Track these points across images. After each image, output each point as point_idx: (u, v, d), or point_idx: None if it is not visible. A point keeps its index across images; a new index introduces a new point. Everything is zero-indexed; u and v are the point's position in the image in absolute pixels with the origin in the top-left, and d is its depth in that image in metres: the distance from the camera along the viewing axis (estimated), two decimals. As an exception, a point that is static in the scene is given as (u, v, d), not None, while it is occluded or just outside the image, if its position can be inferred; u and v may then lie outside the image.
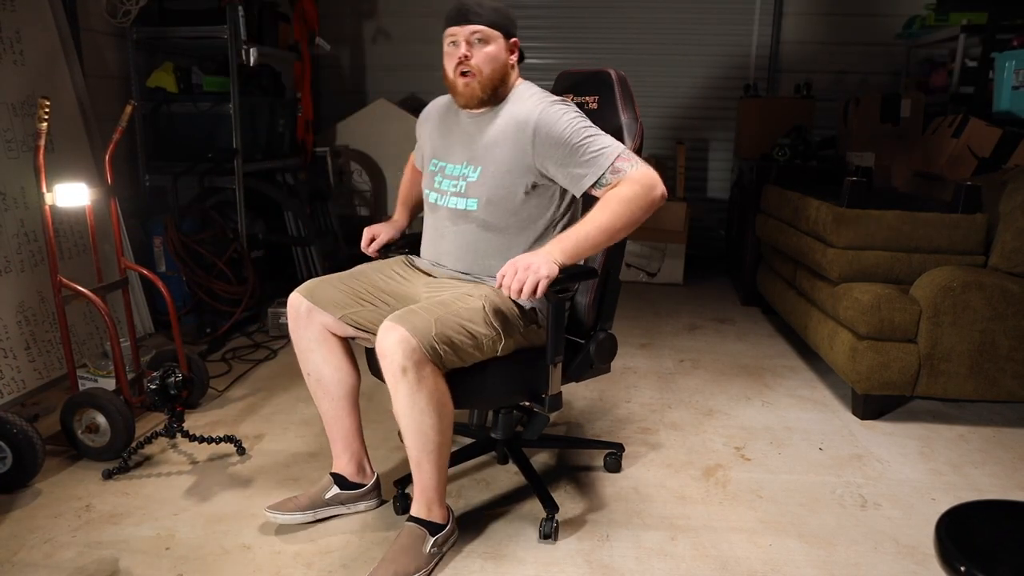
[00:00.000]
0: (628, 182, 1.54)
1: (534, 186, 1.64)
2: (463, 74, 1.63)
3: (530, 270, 1.43)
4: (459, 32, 1.62)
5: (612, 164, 1.55)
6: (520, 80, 1.73)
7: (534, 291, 1.43)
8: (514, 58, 1.69)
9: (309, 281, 1.73)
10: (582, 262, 1.60)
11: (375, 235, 1.90)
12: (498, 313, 1.57)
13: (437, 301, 1.57)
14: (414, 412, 1.48)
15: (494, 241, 1.67)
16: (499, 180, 1.64)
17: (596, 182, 1.56)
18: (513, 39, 1.68)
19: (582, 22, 4.75)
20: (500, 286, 1.46)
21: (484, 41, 1.61)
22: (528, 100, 1.65)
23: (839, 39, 4.60)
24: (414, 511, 1.60)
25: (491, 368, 1.59)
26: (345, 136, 4.41)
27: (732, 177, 4.54)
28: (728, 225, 4.53)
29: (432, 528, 1.59)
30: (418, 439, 1.51)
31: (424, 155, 1.86)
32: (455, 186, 1.70)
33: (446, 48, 1.66)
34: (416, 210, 2.02)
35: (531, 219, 1.68)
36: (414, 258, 1.83)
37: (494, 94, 1.66)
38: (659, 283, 4.27)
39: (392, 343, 1.43)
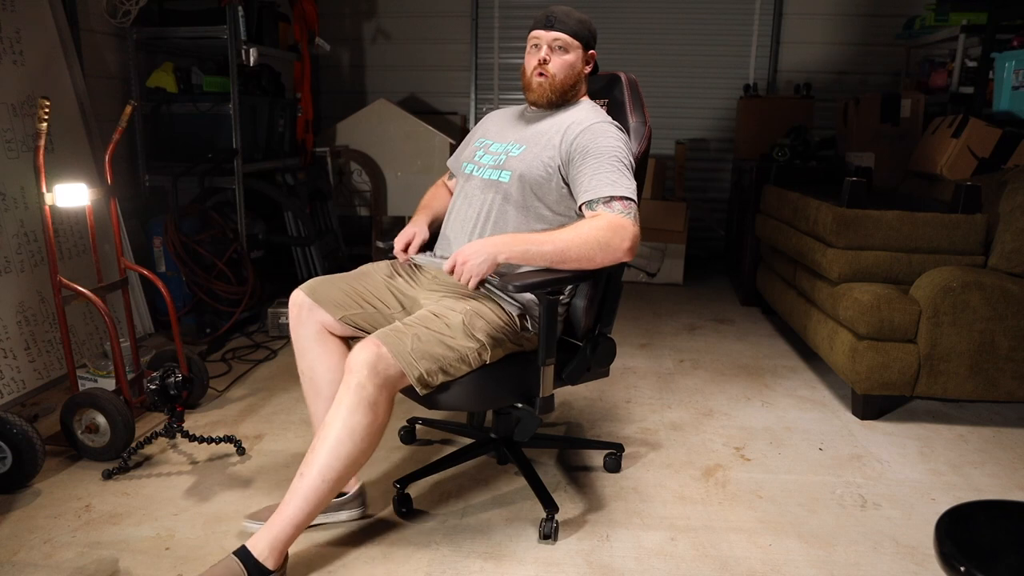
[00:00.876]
0: (607, 220, 1.55)
1: (564, 182, 1.67)
2: (540, 75, 1.71)
3: (467, 265, 1.50)
4: (543, 36, 1.70)
5: (611, 197, 1.57)
6: (586, 97, 1.80)
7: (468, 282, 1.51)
8: (588, 68, 1.77)
9: (312, 279, 1.73)
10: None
11: (409, 240, 1.79)
12: (482, 325, 1.56)
13: (420, 317, 1.56)
14: (340, 428, 1.44)
15: (511, 216, 1.69)
16: (537, 160, 1.67)
17: (588, 201, 1.59)
18: (591, 51, 1.76)
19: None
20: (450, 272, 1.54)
21: (564, 49, 1.70)
22: (591, 111, 1.72)
23: (839, 39, 4.60)
24: (251, 543, 1.47)
25: (481, 372, 1.57)
26: (345, 136, 4.41)
27: (732, 177, 4.54)
28: (728, 225, 4.53)
29: (255, 574, 1.45)
30: (325, 458, 1.44)
31: (469, 142, 1.89)
32: (495, 160, 1.74)
33: (528, 48, 1.75)
34: (435, 223, 1.90)
35: (548, 210, 1.69)
36: (416, 256, 1.81)
37: (563, 97, 1.73)
38: (659, 283, 4.27)
39: (361, 360, 1.44)
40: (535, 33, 1.72)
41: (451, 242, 1.76)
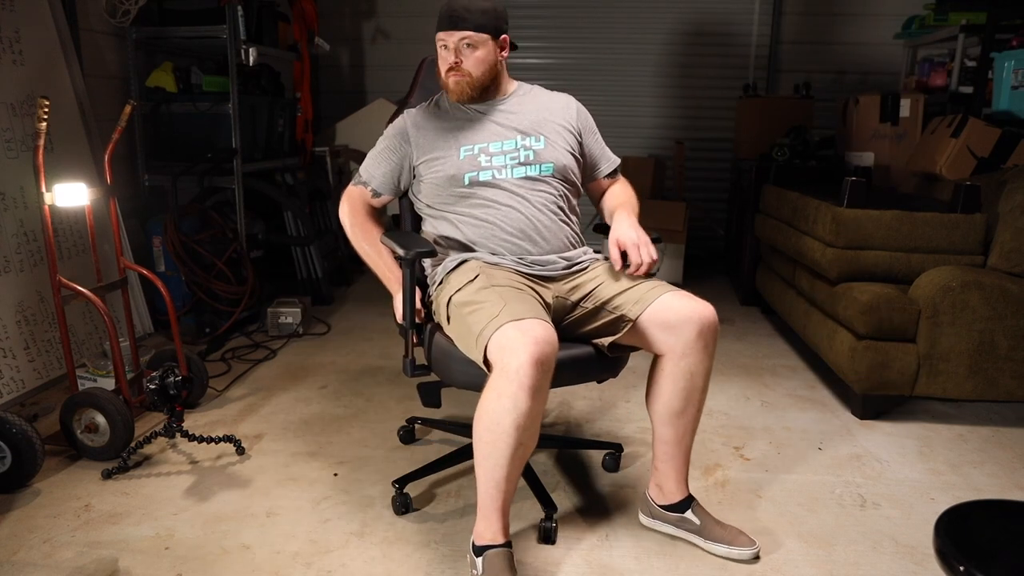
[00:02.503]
0: (625, 182, 1.94)
1: (580, 158, 1.84)
2: (455, 76, 1.72)
3: (649, 248, 1.63)
4: (448, 38, 1.69)
5: (617, 164, 1.92)
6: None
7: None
8: (505, 53, 1.76)
9: (527, 327, 1.39)
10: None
11: (419, 309, 1.70)
12: None
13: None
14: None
15: (569, 203, 1.81)
16: (563, 148, 1.79)
17: (613, 171, 1.91)
18: (503, 36, 1.73)
19: (582, 21, 4.75)
20: (626, 264, 1.63)
21: (473, 46, 1.69)
22: (549, 92, 1.87)
23: (838, 39, 4.60)
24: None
25: None
26: (345, 136, 4.41)
27: (731, 177, 4.54)
28: (727, 225, 4.53)
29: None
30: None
31: (420, 156, 1.78)
32: (516, 158, 1.73)
33: (439, 50, 1.74)
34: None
35: (579, 185, 1.86)
36: (491, 260, 1.68)
37: (485, 90, 1.76)
38: (658, 283, 4.25)
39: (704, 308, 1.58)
40: (440, 35, 1.70)
41: (516, 243, 1.69)
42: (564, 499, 1.88)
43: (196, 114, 3.29)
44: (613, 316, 1.61)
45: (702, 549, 1.66)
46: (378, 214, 1.87)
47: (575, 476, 2.01)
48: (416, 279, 1.68)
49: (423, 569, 1.59)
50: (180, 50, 3.59)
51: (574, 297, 1.68)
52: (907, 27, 4.23)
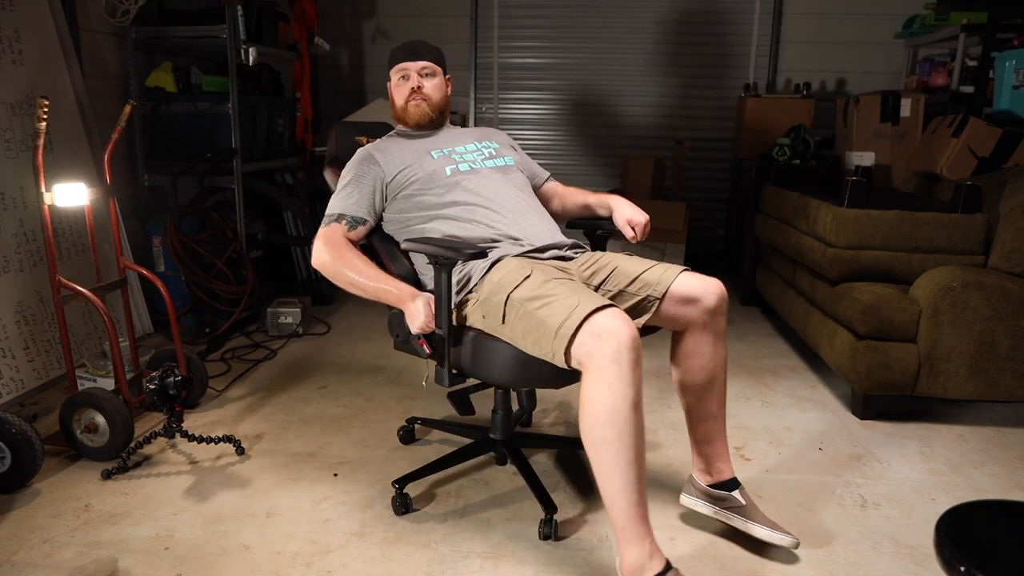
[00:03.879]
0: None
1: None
2: (416, 101, 1.90)
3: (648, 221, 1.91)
4: (411, 67, 1.90)
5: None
6: None
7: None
8: (449, 91, 2.00)
9: (601, 317, 1.37)
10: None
11: (429, 315, 1.59)
12: None
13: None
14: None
15: (529, 188, 1.97)
16: (512, 152, 2.01)
17: (550, 176, 2.11)
18: (447, 75, 1.99)
19: (581, 21, 4.74)
20: (636, 234, 1.89)
21: (431, 75, 1.92)
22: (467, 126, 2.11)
23: (839, 38, 4.59)
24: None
25: None
26: (344, 136, 4.40)
27: (731, 177, 4.54)
28: (727, 225, 4.53)
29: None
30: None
31: (391, 171, 1.80)
32: (482, 154, 1.92)
33: (396, 81, 1.93)
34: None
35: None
36: (512, 250, 1.70)
37: (443, 115, 1.97)
38: (659, 283, 4.24)
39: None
40: (402, 64, 1.90)
41: (510, 222, 1.76)
42: (564, 499, 1.88)
43: (196, 114, 3.28)
44: (638, 298, 1.66)
45: (740, 530, 1.66)
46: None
47: (575, 476, 2.01)
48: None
49: (423, 569, 1.59)
50: (180, 50, 3.59)
51: (594, 282, 1.71)
52: (908, 26, 4.22)
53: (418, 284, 1.77)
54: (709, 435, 1.72)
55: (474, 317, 1.61)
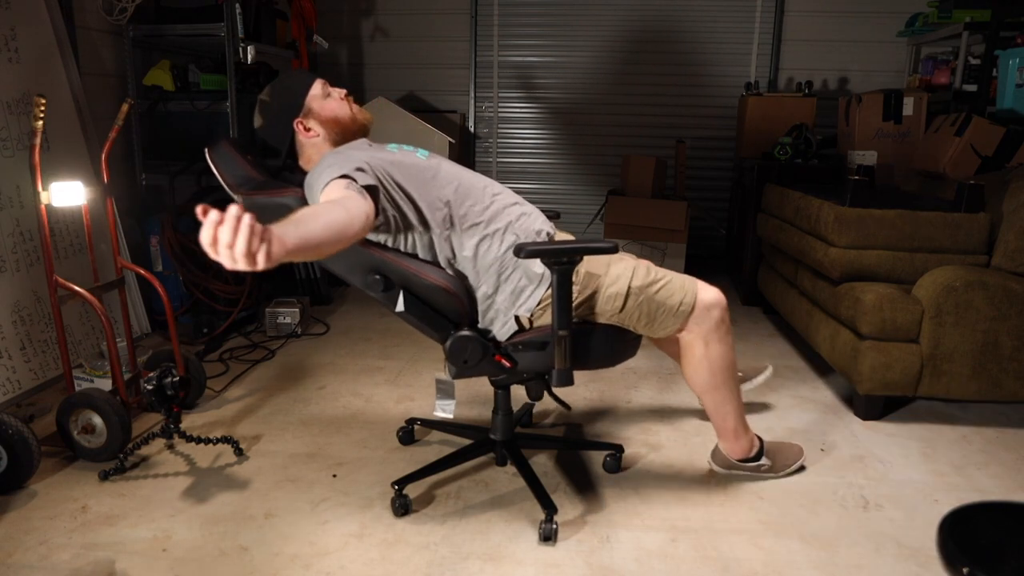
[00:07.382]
0: None
1: None
2: (352, 104, 1.81)
3: None
4: (326, 84, 1.81)
5: None
6: None
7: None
8: None
9: (703, 290, 1.76)
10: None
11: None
12: None
13: None
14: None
15: None
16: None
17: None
18: None
19: (582, 19, 4.73)
20: None
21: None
22: None
23: (841, 37, 4.58)
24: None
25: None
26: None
27: (733, 176, 4.53)
28: (729, 224, 4.51)
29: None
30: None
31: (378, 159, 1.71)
32: (401, 148, 1.83)
33: (325, 96, 1.77)
34: None
35: None
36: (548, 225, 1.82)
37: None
38: (659, 282, 4.23)
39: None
40: (321, 81, 1.79)
41: (511, 193, 1.81)
42: (565, 500, 1.87)
43: (194, 112, 3.27)
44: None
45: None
46: None
47: (576, 477, 2.00)
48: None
49: (423, 571, 1.58)
50: (178, 48, 3.57)
51: None
52: (910, 25, 4.21)
53: (469, 295, 1.69)
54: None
55: (596, 311, 1.72)
